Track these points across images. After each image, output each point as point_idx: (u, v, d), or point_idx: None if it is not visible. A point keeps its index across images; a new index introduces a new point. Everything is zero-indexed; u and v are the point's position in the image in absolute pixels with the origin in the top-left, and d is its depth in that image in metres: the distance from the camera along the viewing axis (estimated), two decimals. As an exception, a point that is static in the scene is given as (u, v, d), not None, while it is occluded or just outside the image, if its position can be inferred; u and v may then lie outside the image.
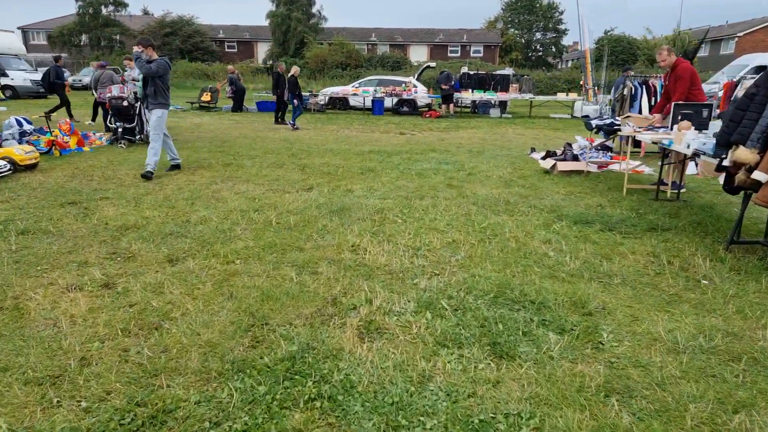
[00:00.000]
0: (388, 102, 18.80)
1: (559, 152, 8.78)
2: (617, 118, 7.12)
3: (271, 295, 2.98)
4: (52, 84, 13.75)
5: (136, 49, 6.77)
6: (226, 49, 49.58)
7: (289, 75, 13.86)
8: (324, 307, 2.88)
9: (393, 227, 4.51)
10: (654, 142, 5.25)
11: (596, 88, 18.53)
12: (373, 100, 18.37)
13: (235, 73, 18.54)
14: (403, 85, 18.80)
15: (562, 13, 60.64)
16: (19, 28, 48.14)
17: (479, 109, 19.54)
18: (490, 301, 2.97)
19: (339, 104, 20.20)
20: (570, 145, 9.45)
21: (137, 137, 9.18)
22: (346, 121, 15.80)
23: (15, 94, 20.09)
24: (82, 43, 40.94)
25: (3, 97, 19.56)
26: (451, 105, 17.79)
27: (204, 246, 3.95)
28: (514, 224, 4.63)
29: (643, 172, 7.28)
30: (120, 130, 8.85)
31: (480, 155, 9.15)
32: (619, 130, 6.16)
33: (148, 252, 3.81)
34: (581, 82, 19.78)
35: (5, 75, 20.01)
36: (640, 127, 5.71)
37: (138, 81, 9.30)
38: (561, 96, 18.76)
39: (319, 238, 4.18)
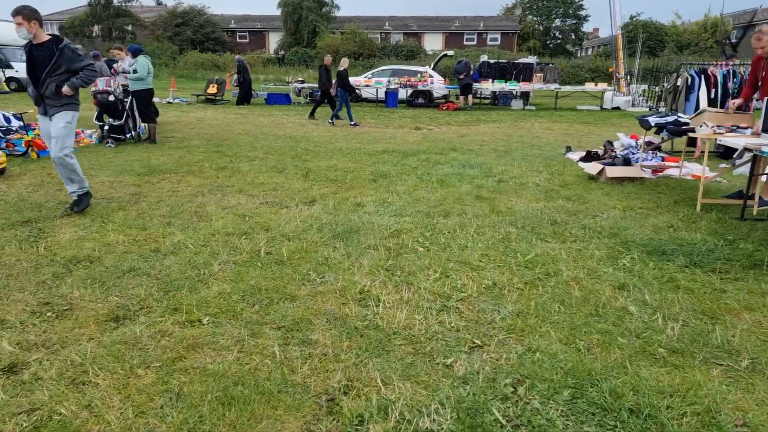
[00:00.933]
0: (403, 93, 17.72)
1: (600, 152, 7.67)
2: (678, 113, 6.01)
3: (238, 395, 2.01)
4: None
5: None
6: (238, 40, 48.69)
7: (340, 68, 12.70)
8: (315, 421, 1.90)
9: (413, 260, 3.51)
10: (748, 149, 4.15)
11: (628, 77, 17.22)
12: (386, 92, 17.31)
13: (243, 60, 17.53)
14: (419, 75, 17.68)
15: (582, -2, 58.64)
16: (30, 19, 47.76)
17: (500, 101, 18.36)
18: (567, 406, 1.97)
19: (351, 96, 19.13)
20: (611, 143, 8.34)
21: (127, 135, 8.28)
22: (357, 114, 14.78)
23: (20, 86, 19.42)
24: (93, 34, 40.34)
25: (7, 89, 18.90)
26: (470, 96, 16.63)
27: (166, 292, 3.01)
28: (569, 256, 3.60)
29: (709, 179, 6.16)
30: (106, 127, 7.96)
31: (508, 155, 8.08)
32: (690, 130, 5.05)
33: (92, 302, 2.88)
34: (611, 70, 18.45)
35: (10, 67, 19.33)
36: (721, 127, 4.60)
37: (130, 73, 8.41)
38: (589, 86, 17.47)
39: (318, 279, 3.20)
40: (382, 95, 17.70)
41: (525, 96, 17.95)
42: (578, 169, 6.92)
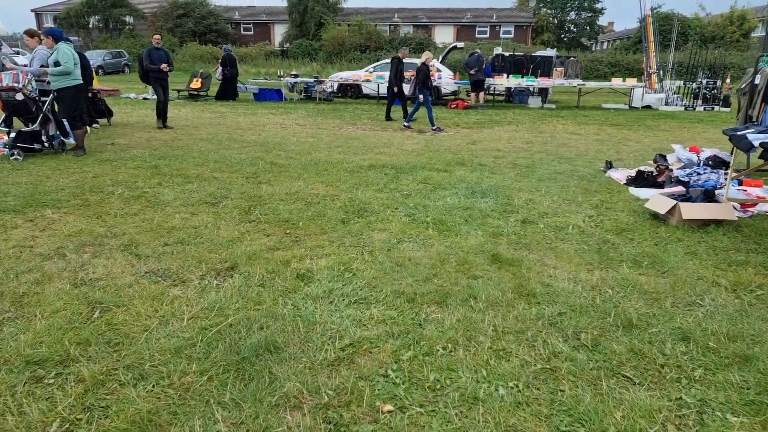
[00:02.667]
0: (406, 89, 15.81)
1: (653, 171, 5.78)
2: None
3: None
4: None
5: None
6: (242, 32, 47.04)
7: (420, 63, 10.77)
8: None
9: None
10: None
11: (661, 72, 15.19)
12: (388, 88, 15.41)
13: (231, 51, 15.69)
14: (425, 69, 15.76)
15: (598, -10, 55.99)
16: (32, 10, 46.54)
17: (515, 98, 16.40)
18: None
19: (351, 92, 17.33)
20: (664, 158, 6.44)
21: (41, 145, 6.52)
22: (354, 113, 12.94)
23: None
24: (90, 26, 38.85)
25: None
26: (482, 93, 14.71)
27: None
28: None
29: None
30: (13, 135, 6.21)
31: (531, 173, 6.22)
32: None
33: None
34: (642, 65, 16.41)
35: (-25, 59, 17.73)
36: None
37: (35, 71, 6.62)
38: (616, 82, 15.45)
39: None
40: (384, 91, 15.83)
41: (543, 93, 15.97)
42: (629, 197, 5.05)
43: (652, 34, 15.14)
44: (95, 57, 29.80)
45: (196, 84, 16.00)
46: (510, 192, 5.21)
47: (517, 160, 7.13)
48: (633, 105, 15.10)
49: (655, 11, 43.11)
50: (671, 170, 5.77)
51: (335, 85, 17.12)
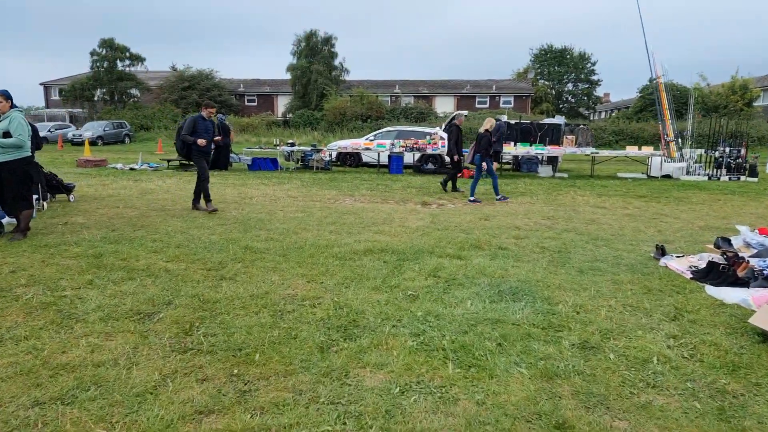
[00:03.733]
0: (409, 157, 15.02)
1: (725, 262, 4.55)
2: None
3: None
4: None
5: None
6: (246, 103, 47.87)
7: (482, 129, 9.84)
8: None
9: None
10: None
11: (679, 140, 14.38)
12: (390, 156, 14.62)
13: (225, 120, 14.96)
14: (428, 137, 15.03)
15: (594, 63, 57.73)
16: (41, 84, 47.66)
17: (524, 167, 15.53)
18: None
19: (350, 161, 16.54)
20: (728, 242, 5.24)
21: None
22: (352, 183, 11.95)
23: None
24: (95, 98, 39.42)
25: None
26: (495, 164, 13.77)
27: None
28: None
29: None
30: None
31: (567, 262, 4.99)
32: None
33: None
34: (659, 132, 15.66)
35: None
36: None
37: None
38: (631, 150, 14.61)
39: None
40: (384, 159, 15.02)
41: (553, 161, 15.12)
42: (710, 301, 3.79)
43: (666, 100, 14.49)
44: (96, 127, 29.67)
45: (187, 153, 15.23)
46: (548, 291, 3.96)
47: (544, 242, 5.93)
48: (651, 174, 14.16)
49: (653, 81, 44.01)
50: (747, 260, 4.53)
51: (334, 154, 16.37)
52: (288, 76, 42.39)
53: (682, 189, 11.73)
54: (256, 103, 47.81)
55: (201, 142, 7.73)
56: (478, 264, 4.82)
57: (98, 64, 37.87)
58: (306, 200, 9.21)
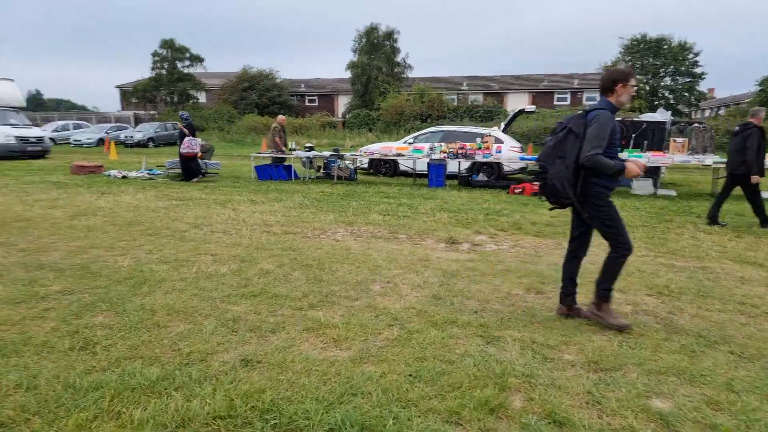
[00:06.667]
0: (454, 166, 11.76)
1: None
2: None
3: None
4: None
5: None
6: (307, 103, 46.47)
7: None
8: None
9: None
10: None
11: None
12: (429, 165, 11.45)
13: (187, 116, 12.24)
14: (478, 140, 11.65)
15: (697, 54, 50.25)
16: (117, 86, 49.11)
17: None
18: None
19: (385, 168, 13.57)
20: None
21: None
22: (367, 202, 8.96)
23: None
24: (157, 99, 39.53)
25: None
26: None
27: None
28: None
29: None
30: None
31: None
32: None
33: None
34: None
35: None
36: None
37: None
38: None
39: None
40: (423, 167, 11.89)
41: (653, 173, 11.18)
42: None
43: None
44: (147, 129, 29.04)
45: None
46: None
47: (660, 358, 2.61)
48: None
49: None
50: None
51: (365, 161, 13.47)
52: (348, 75, 40.24)
53: None
54: (317, 104, 46.23)
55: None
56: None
57: (159, 65, 37.85)
58: (282, 230, 6.38)
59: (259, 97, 39.96)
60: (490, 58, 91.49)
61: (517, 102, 40.53)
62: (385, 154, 12.27)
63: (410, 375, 2.69)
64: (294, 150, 12.52)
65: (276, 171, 12.05)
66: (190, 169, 11.33)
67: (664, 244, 6.02)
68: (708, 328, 3.49)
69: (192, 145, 11.02)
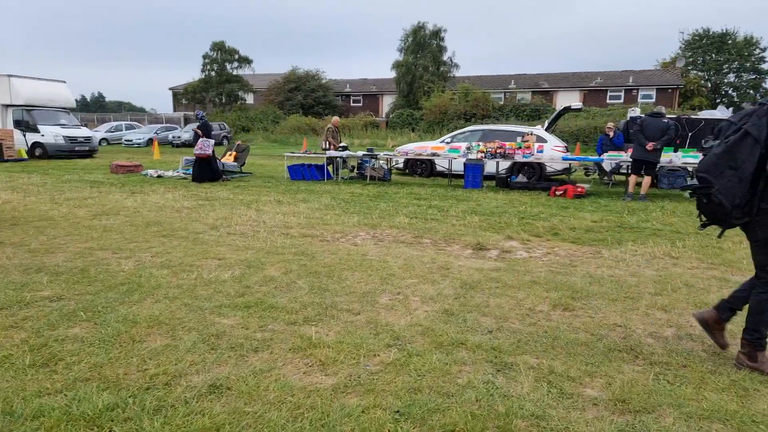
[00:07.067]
0: (492, 166, 11.19)
1: None
2: None
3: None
4: None
5: None
6: (352, 104, 46.58)
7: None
8: None
9: None
10: None
11: None
12: (465, 165, 10.94)
13: (201, 116, 12.10)
14: (518, 140, 11.02)
15: (764, 50, 46.60)
16: (169, 89, 51.04)
17: (663, 181, 10.83)
18: None
19: (421, 169, 13.17)
20: None
21: None
22: (396, 204, 8.59)
23: (45, 152, 16.96)
24: (206, 100, 40.67)
25: (26, 157, 16.47)
26: (647, 179, 9.29)
27: None
28: None
29: None
30: None
31: None
32: None
33: None
34: None
35: (36, 130, 17.01)
36: None
37: None
38: None
39: None
40: (459, 168, 11.39)
41: (712, 174, 10.19)
42: None
43: None
44: (188, 130, 29.93)
45: (228, 158, 13.08)
46: None
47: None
48: None
49: None
50: None
51: (401, 161, 13.10)
52: (394, 74, 39.93)
53: None
54: (361, 104, 46.24)
55: None
56: None
57: (209, 67, 38.88)
58: (300, 233, 6.13)
59: (305, 97, 40.35)
60: (540, 56, 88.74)
61: (567, 100, 38.82)
62: (420, 154, 11.84)
63: (397, 411, 2.31)
64: (327, 150, 12.30)
65: (309, 171, 11.89)
66: (208, 171, 11.18)
67: (719, 255, 5.31)
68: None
69: (205, 146, 10.95)
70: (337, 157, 12.19)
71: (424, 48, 38.36)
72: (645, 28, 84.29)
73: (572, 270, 4.76)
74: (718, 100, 47.59)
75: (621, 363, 2.86)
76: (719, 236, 2.93)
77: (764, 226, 2.68)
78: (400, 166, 13.32)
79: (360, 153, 12.13)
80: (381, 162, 12.22)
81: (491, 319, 3.50)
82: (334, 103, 42.61)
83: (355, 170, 12.62)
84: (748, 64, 48.07)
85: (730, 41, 47.84)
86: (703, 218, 2.83)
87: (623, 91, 38.64)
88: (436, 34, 38.38)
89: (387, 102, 44.74)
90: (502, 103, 36.03)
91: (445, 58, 38.92)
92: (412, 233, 6.35)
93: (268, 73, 46.64)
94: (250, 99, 46.00)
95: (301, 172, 11.95)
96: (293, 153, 13.22)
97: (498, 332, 3.27)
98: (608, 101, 38.11)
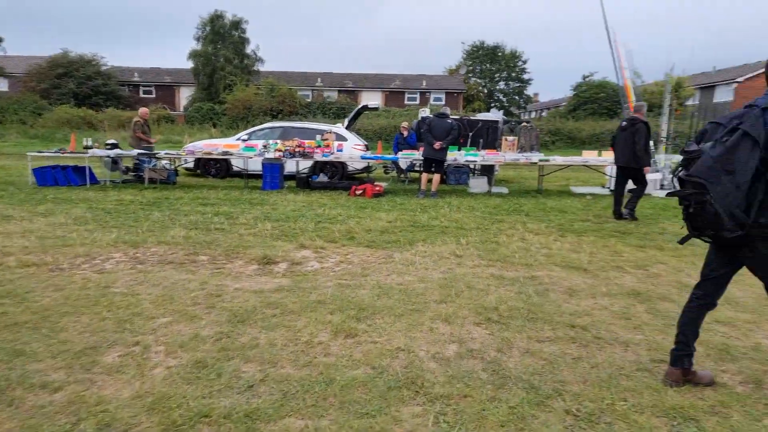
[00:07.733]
0: (292, 165, 10.56)
1: None
2: None
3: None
4: None
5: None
6: (142, 95, 41.31)
7: None
8: None
9: None
10: None
11: (651, 143, 10.96)
12: (263, 164, 10.06)
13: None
14: (318, 138, 10.59)
15: (525, 62, 55.91)
16: None
17: (450, 178, 11.57)
18: None
19: (215, 169, 11.84)
20: None
21: None
22: (178, 211, 7.28)
23: None
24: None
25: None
26: (437, 176, 9.57)
27: None
28: None
29: None
30: None
31: None
32: None
33: None
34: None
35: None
36: None
37: None
38: (589, 155, 10.95)
39: None
40: (257, 167, 10.46)
41: (488, 171, 11.23)
42: None
43: (632, 94, 11.01)
44: None
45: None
46: None
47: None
48: (612, 188, 10.60)
49: (587, 79, 42.16)
50: None
51: (191, 160, 11.59)
52: (191, 65, 36.45)
53: (665, 214, 8.10)
54: (154, 95, 41.33)
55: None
56: None
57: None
58: (22, 261, 4.55)
59: (79, 86, 34.31)
60: (346, 57, 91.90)
61: (370, 100, 40.56)
62: (210, 153, 10.54)
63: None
64: (91, 148, 10.12)
65: (64, 174, 9.60)
66: None
67: (496, 250, 5.52)
68: (540, 372, 2.78)
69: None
70: (103, 157, 10.11)
71: (224, 38, 35.93)
72: (436, 36, 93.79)
73: (363, 281, 4.34)
74: (492, 105, 55.38)
75: (400, 405, 2.42)
76: (681, 242, 2.56)
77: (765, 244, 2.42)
78: (191, 165, 11.79)
79: (135, 152, 10.25)
80: (164, 162, 10.56)
81: (256, 365, 2.78)
82: (118, 94, 37.26)
83: (129, 172, 10.69)
84: (513, 74, 56.92)
85: (500, 53, 55.97)
86: (691, 229, 2.47)
87: (418, 93, 42.02)
88: (237, 24, 36.30)
89: (185, 95, 40.84)
90: (309, 100, 35.85)
91: (248, 50, 37.10)
92: (187, 250, 5.29)
93: (29, 56, 38.39)
94: (3, 85, 37.43)
95: (53, 176, 9.58)
96: (42, 152, 10.57)
97: (261, 385, 2.57)
98: (406, 102, 41.06)
